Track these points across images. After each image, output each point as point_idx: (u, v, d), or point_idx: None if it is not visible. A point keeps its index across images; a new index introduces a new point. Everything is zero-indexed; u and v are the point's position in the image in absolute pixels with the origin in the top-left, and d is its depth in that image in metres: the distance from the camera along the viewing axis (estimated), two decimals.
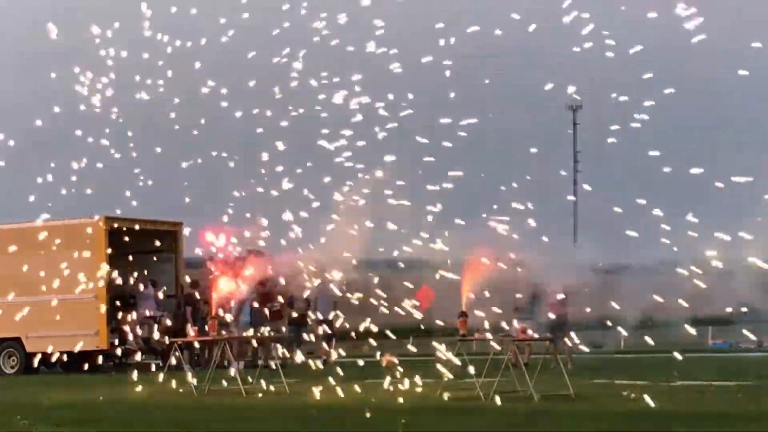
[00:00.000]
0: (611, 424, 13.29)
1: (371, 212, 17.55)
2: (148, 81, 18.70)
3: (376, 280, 18.32)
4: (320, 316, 28.52)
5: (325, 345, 28.87)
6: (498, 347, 18.14)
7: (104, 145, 19.22)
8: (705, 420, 13.68)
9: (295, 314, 29.11)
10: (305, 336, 27.85)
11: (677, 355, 17.94)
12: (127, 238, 28.13)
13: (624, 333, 17.87)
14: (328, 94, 17.59)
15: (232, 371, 20.12)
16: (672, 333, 20.23)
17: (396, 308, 18.30)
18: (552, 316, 22.64)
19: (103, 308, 28.38)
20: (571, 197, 17.14)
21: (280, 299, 27.20)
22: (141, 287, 29.80)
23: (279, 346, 22.60)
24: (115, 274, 26.58)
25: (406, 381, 18.27)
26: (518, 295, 18.46)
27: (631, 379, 18.41)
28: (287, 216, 18.13)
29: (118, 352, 29.99)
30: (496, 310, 17.70)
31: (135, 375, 20.78)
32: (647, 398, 15.03)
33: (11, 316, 28.31)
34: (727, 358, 19.71)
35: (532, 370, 18.30)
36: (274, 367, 20.82)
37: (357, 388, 18.01)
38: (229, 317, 23.08)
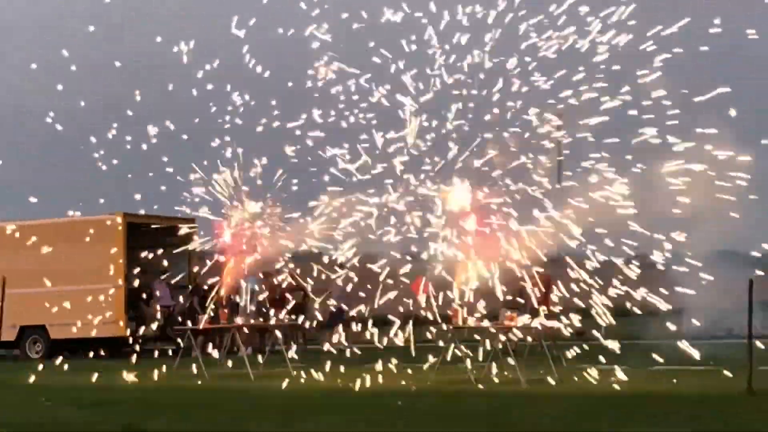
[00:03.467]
0: (591, 406, 13.35)
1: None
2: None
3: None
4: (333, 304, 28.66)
5: (339, 330, 29.01)
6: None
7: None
8: (678, 401, 13.75)
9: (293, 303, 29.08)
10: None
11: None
12: (144, 233, 28.23)
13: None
14: None
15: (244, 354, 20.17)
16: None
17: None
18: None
19: (122, 298, 28.48)
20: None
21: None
22: (157, 279, 29.93)
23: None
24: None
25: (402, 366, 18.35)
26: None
27: (613, 364, 18.44)
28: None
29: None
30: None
31: (151, 360, 20.83)
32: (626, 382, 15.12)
33: (36, 305, 28.41)
34: (699, 345, 19.69)
35: (519, 356, 18.36)
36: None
37: (357, 372, 18.06)
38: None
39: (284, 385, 17.37)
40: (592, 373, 17.06)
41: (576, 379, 16.98)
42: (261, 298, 25.25)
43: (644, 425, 11.03)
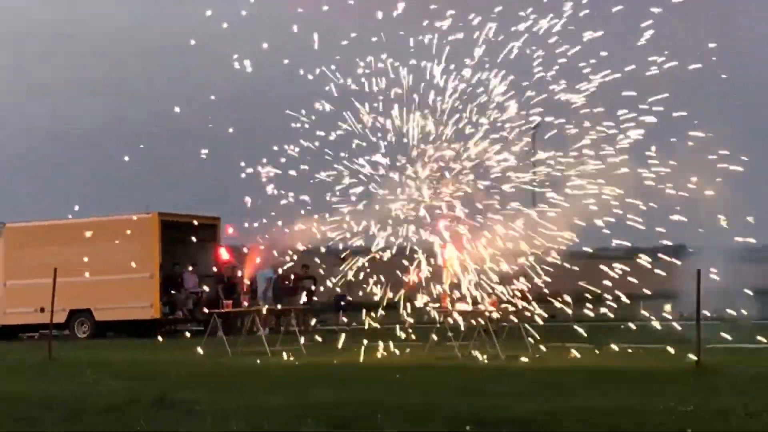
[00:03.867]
0: (558, 379, 13.41)
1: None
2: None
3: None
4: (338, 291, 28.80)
5: (341, 315, 29.19)
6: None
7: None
8: (635, 374, 13.80)
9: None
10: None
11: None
12: (175, 229, 28.32)
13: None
14: None
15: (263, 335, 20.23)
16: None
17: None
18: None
19: (157, 285, 28.57)
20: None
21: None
22: (186, 269, 30.03)
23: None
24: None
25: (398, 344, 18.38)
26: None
27: (579, 343, 18.50)
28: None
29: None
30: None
31: (182, 339, 20.85)
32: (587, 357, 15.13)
33: (83, 292, 28.53)
34: (653, 327, 19.82)
35: (499, 335, 18.43)
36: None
37: (361, 349, 18.09)
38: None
39: (297, 360, 17.43)
40: (562, 351, 17.12)
41: (547, 354, 17.04)
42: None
43: (602, 396, 11.09)
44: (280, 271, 26.20)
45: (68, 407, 10.48)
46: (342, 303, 29.69)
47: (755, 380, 12.82)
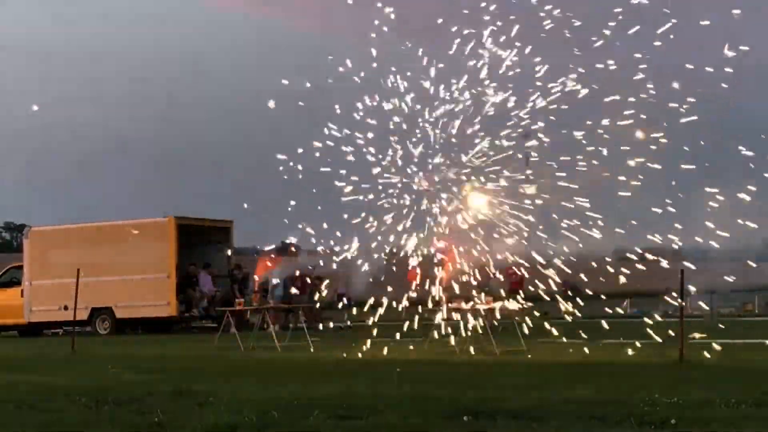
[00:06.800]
0: (550, 372, 13.41)
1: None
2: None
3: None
4: (340, 291, 28.86)
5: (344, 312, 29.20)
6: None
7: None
8: (622, 368, 13.80)
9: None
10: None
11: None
12: (191, 232, 28.33)
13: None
14: None
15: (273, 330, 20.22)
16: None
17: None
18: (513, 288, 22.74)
19: (173, 285, 28.61)
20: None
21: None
22: (201, 269, 30.03)
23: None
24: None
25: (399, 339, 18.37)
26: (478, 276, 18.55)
27: (571, 338, 18.48)
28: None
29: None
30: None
31: (197, 335, 20.83)
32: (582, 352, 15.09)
33: (105, 291, 28.58)
34: (641, 323, 19.78)
35: (495, 331, 18.42)
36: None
37: (363, 346, 18.09)
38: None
39: (304, 355, 17.43)
40: (555, 346, 17.09)
41: (540, 349, 17.03)
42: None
43: (592, 388, 11.09)
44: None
45: (90, 398, 10.49)
46: (344, 301, 29.73)
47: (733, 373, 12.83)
